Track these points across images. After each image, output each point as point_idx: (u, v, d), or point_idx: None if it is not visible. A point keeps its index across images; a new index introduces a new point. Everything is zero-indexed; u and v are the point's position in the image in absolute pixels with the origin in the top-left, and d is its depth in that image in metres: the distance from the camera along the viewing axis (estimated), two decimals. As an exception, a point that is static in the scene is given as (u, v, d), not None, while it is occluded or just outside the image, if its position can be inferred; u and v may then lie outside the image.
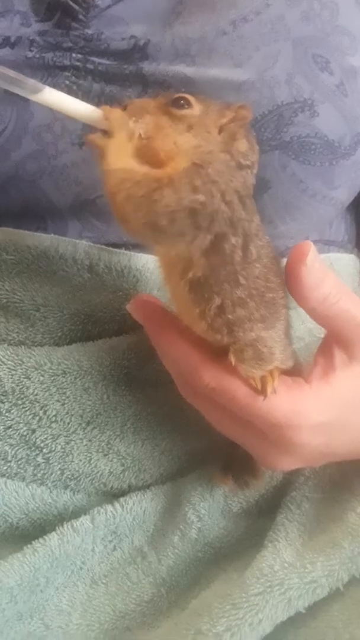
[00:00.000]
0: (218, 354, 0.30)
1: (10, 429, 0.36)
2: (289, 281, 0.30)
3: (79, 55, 0.36)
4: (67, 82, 0.36)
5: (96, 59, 0.36)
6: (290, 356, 0.31)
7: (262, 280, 0.29)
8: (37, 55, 0.36)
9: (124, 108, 0.29)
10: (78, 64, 0.36)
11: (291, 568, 0.30)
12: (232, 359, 0.29)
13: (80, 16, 0.36)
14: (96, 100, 0.36)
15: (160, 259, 0.31)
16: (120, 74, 0.36)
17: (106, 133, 0.29)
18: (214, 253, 0.28)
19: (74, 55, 0.36)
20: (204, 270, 0.28)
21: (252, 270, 0.28)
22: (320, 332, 0.34)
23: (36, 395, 0.36)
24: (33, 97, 0.29)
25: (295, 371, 0.32)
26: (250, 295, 0.28)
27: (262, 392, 0.29)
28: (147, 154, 0.28)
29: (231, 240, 0.28)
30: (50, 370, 0.36)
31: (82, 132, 0.34)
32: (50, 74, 0.36)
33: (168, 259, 0.30)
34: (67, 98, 0.29)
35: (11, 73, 0.29)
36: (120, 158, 0.28)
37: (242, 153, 0.29)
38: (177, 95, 0.29)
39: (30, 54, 0.36)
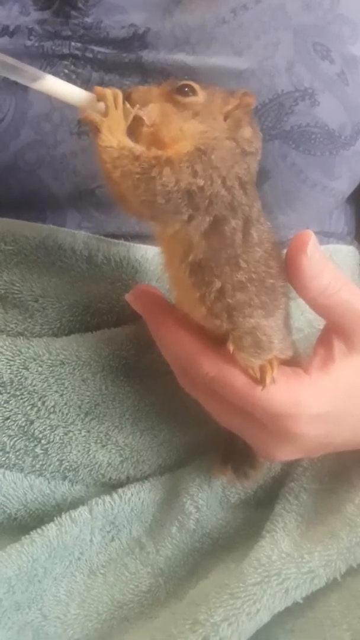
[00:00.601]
0: (217, 343, 0.30)
1: (9, 420, 0.35)
2: (290, 270, 0.30)
3: (78, 44, 0.36)
4: (66, 70, 0.36)
5: (95, 48, 0.36)
6: (290, 346, 0.31)
7: (263, 265, 0.29)
8: (36, 44, 0.36)
9: (128, 95, 0.29)
10: (77, 52, 0.36)
11: (289, 558, 0.30)
12: (231, 346, 0.29)
13: (80, 4, 0.35)
14: (95, 89, 0.36)
15: (161, 243, 0.31)
16: (119, 63, 0.36)
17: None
18: (214, 235, 0.28)
19: (73, 43, 0.36)
20: (204, 253, 0.28)
21: (253, 254, 0.28)
22: (320, 324, 0.33)
23: (34, 386, 0.35)
24: (33, 85, 0.29)
25: (295, 362, 0.32)
26: (251, 280, 0.28)
27: (260, 381, 0.29)
28: (153, 141, 0.28)
29: (231, 223, 0.28)
30: (49, 361, 0.35)
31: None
32: (49, 62, 0.36)
33: (169, 243, 0.30)
34: (67, 85, 0.29)
35: (10, 60, 0.29)
36: (115, 135, 0.28)
37: (247, 140, 0.29)
38: (182, 82, 0.29)
39: (29, 43, 0.36)
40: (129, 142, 0.28)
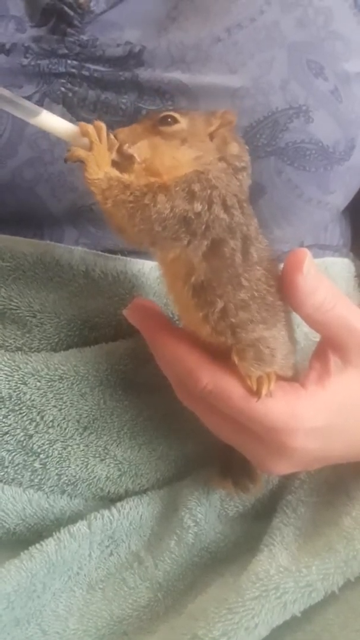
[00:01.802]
0: (215, 356, 0.30)
1: (7, 435, 0.36)
2: (285, 288, 0.30)
3: (74, 62, 0.36)
4: (63, 89, 0.36)
5: (91, 66, 0.36)
6: (291, 367, 0.32)
7: (264, 283, 0.29)
8: (33, 63, 0.36)
9: (115, 136, 0.30)
10: (73, 70, 0.36)
11: (287, 572, 0.30)
12: (235, 358, 0.30)
13: (75, 22, 0.36)
14: (92, 107, 0.36)
15: (162, 267, 0.31)
16: (115, 81, 0.36)
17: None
18: (214, 256, 0.28)
19: (69, 62, 0.36)
20: (206, 274, 0.29)
21: (254, 273, 0.29)
22: (316, 336, 0.34)
23: (33, 400, 0.36)
24: (31, 121, 0.30)
25: (293, 377, 0.32)
26: (253, 298, 0.29)
27: (256, 393, 0.30)
28: (148, 174, 0.29)
29: (230, 244, 0.28)
30: (47, 376, 0.36)
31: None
32: (45, 81, 0.36)
33: (171, 267, 0.30)
34: (58, 120, 0.30)
35: (10, 95, 0.29)
36: (102, 167, 0.29)
37: (236, 156, 0.30)
38: (162, 114, 0.30)
39: (25, 61, 0.36)
40: (116, 173, 0.29)
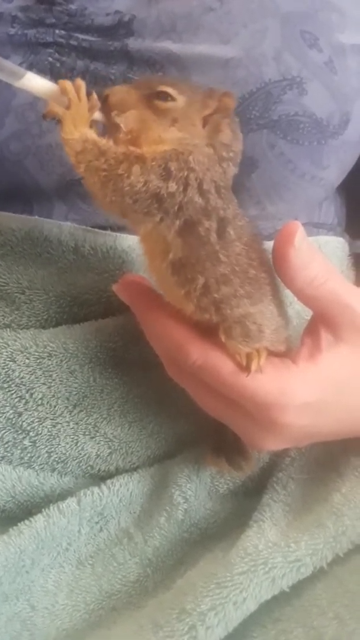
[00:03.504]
0: (205, 332, 0.30)
1: (-4, 412, 0.35)
2: (277, 262, 0.30)
3: (62, 32, 0.35)
4: (50, 59, 0.35)
5: (80, 35, 0.35)
6: (283, 341, 0.31)
7: (244, 257, 0.29)
8: (20, 32, 0.35)
9: (105, 97, 0.29)
10: (61, 40, 0.35)
11: (275, 547, 0.30)
12: (223, 336, 0.29)
13: None
14: (80, 77, 0.35)
15: (142, 244, 0.31)
16: (104, 51, 0.35)
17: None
18: (188, 234, 0.28)
19: (57, 31, 0.35)
20: (182, 250, 0.28)
21: (233, 249, 0.28)
22: (308, 314, 0.33)
23: (22, 378, 0.35)
24: (16, 83, 0.29)
25: (286, 351, 0.31)
26: (234, 272, 0.28)
27: (246, 368, 0.29)
28: (129, 144, 0.28)
29: (205, 225, 0.28)
30: (36, 353, 0.35)
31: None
32: (33, 51, 0.35)
33: (147, 243, 0.30)
34: (40, 80, 0.29)
35: None
36: (78, 127, 0.28)
37: (226, 145, 0.29)
38: (159, 89, 0.29)
39: (12, 31, 0.35)
40: (93, 135, 0.28)
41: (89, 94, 0.29)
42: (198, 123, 0.29)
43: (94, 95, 0.29)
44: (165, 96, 0.29)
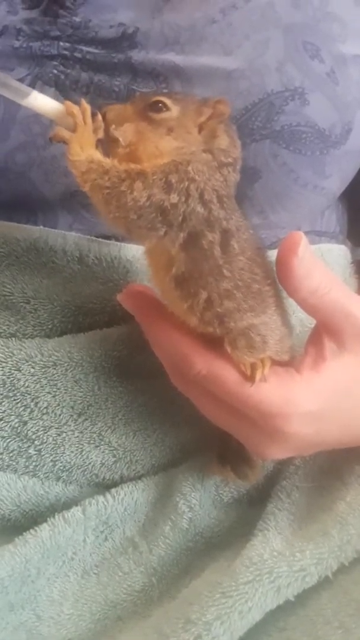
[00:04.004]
0: (209, 342, 0.30)
1: (2, 421, 0.36)
2: (280, 271, 0.30)
3: (67, 44, 0.36)
4: (55, 71, 0.36)
5: (84, 48, 0.36)
6: (287, 350, 0.31)
7: (247, 272, 0.29)
8: (25, 45, 0.36)
9: (104, 115, 0.30)
10: (66, 52, 0.36)
11: (280, 557, 0.30)
12: (228, 348, 0.30)
13: (68, 3, 0.35)
14: (84, 89, 0.36)
15: (146, 257, 0.31)
16: (108, 63, 0.35)
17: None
18: (192, 248, 0.28)
19: (61, 44, 0.36)
20: (186, 265, 0.28)
21: (236, 263, 0.29)
22: (311, 322, 0.34)
23: (27, 387, 0.35)
24: (22, 102, 0.29)
25: (289, 361, 0.32)
26: (237, 287, 0.29)
27: (250, 378, 0.29)
28: (129, 158, 0.29)
29: (208, 237, 0.28)
30: (41, 362, 0.36)
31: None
32: (37, 63, 0.36)
33: (151, 257, 0.30)
34: (46, 99, 0.30)
35: (2, 76, 0.29)
36: (85, 149, 0.28)
37: (224, 150, 0.30)
38: (154, 99, 0.29)
39: (17, 44, 0.36)
40: (98, 156, 0.28)
41: (93, 115, 0.29)
42: (193, 130, 0.29)
43: (99, 117, 0.29)
44: (160, 107, 0.29)
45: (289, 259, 0.29)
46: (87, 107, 0.29)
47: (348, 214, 0.45)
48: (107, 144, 0.30)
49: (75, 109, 0.29)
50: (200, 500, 0.36)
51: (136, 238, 0.29)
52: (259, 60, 0.35)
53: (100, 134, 0.29)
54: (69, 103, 0.29)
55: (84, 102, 0.29)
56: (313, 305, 0.31)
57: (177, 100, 0.30)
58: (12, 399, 0.36)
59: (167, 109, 0.29)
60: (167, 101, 0.29)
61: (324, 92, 0.36)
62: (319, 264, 0.30)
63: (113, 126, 0.29)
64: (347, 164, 0.39)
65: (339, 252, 0.42)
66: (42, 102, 0.30)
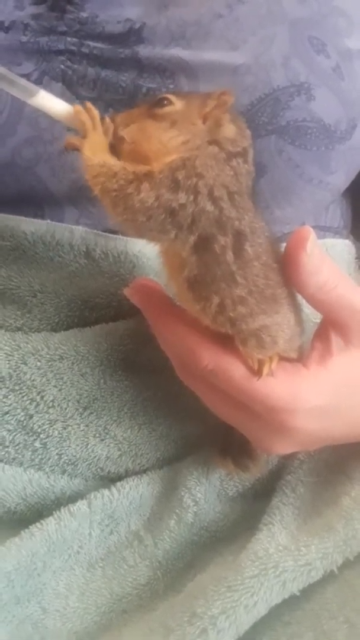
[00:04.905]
0: (216, 336, 0.30)
1: (8, 415, 0.36)
2: (288, 267, 0.30)
3: (74, 39, 0.36)
4: (62, 66, 0.36)
5: (91, 43, 0.36)
6: (296, 349, 0.31)
7: (261, 278, 0.28)
8: (32, 40, 0.36)
9: (113, 119, 0.30)
10: (73, 48, 0.36)
11: (286, 551, 0.30)
12: (239, 346, 0.29)
13: None
14: (91, 84, 0.36)
15: (162, 256, 0.31)
16: (115, 58, 0.36)
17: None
18: (204, 252, 0.27)
19: (68, 39, 0.36)
20: (198, 268, 0.28)
21: (250, 270, 0.28)
22: (317, 318, 0.34)
23: (33, 380, 0.36)
24: (29, 100, 0.29)
25: (297, 359, 0.32)
26: (250, 293, 0.28)
27: (257, 372, 0.29)
28: (137, 158, 0.28)
29: (220, 241, 0.27)
30: (47, 356, 0.36)
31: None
32: (45, 58, 0.36)
33: (167, 257, 0.30)
34: (55, 100, 0.30)
35: (5, 72, 0.29)
36: (97, 154, 0.28)
37: (231, 139, 0.29)
38: (159, 96, 0.29)
39: (24, 39, 0.36)
40: (110, 159, 0.28)
41: (102, 119, 0.29)
42: (198, 121, 0.29)
43: (108, 120, 0.29)
44: (164, 103, 0.29)
45: (297, 255, 0.29)
46: (95, 112, 0.29)
47: (352, 209, 0.45)
48: (116, 146, 0.29)
49: (84, 115, 0.29)
50: (205, 494, 0.36)
51: (148, 239, 0.29)
52: (265, 55, 0.35)
53: (110, 137, 0.29)
54: (78, 108, 0.29)
55: (90, 106, 0.29)
56: (320, 301, 0.31)
57: (181, 96, 0.30)
58: (18, 393, 0.36)
59: (171, 103, 0.29)
60: (171, 96, 0.29)
61: (329, 87, 0.36)
62: (327, 259, 0.30)
63: (120, 127, 0.29)
64: (352, 159, 0.39)
65: (343, 247, 0.42)
66: (49, 101, 0.30)
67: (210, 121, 0.29)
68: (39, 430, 0.36)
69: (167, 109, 0.29)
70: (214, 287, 0.28)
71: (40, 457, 0.36)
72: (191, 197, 0.27)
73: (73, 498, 0.36)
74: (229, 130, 0.29)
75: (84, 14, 0.36)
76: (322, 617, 0.30)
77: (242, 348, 0.29)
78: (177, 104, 0.29)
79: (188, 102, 0.29)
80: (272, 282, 0.29)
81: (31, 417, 0.36)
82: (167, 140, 0.28)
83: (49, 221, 0.36)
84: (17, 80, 0.29)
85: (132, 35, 0.35)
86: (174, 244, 0.28)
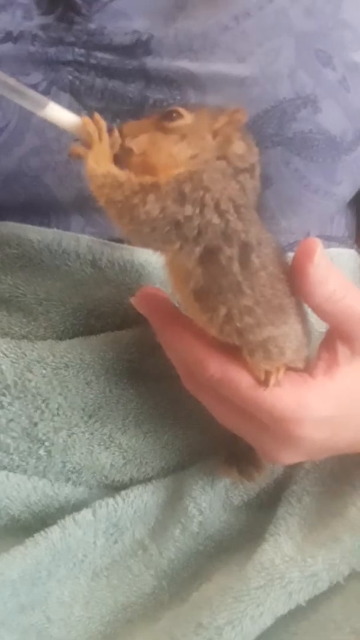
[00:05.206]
0: (223, 345, 0.30)
1: (12, 422, 0.36)
2: (296, 277, 0.30)
3: (82, 50, 0.36)
4: (70, 77, 0.36)
5: (99, 54, 0.36)
6: (303, 359, 0.31)
7: (268, 287, 0.28)
8: (40, 50, 0.36)
9: (120, 130, 0.30)
10: (81, 58, 0.36)
11: (292, 562, 0.30)
12: (246, 357, 0.29)
13: (84, 10, 0.36)
14: (99, 95, 0.36)
15: (167, 268, 0.31)
16: (122, 69, 0.36)
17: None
18: (210, 263, 0.27)
19: (76, 50, 0.36)
20: (204, 280, 0.28)
21: (257, 280, 0.28)
22: (322, 327, 0.34)
23: (38, 388, 0.36)
24: (39, 112, 0.30)
25: (304, 369, 0.32)
26: (257, 303, 0.28)
27: (264, 382, 0.29)
28: (144, 170, 0.28)
29: (226, 253, 0.27)
30: (53, 364, 0.36)
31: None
32: (52, 69, 0.36)
33: (172, 268, 0.30)
34: (63, 111, 0.30)
35: (14, 83, 0.29)
36: (102, 164, 0.28)
37: (239, 156, 0.29)
38: (169, 109, 0.29)
39: (32, 49, 0.36)
40: (114, 170, 0.28)
41: (110, 131, 0.29)
42: (208, 136, 0.29)
43: (116, 132, 0.29)
44: (174, 116, 0.29)
45: (305, 266, 0.29)
46: (103, 123, 0.29)
47: (357, 218, 0.46)
48: (123, 157, 0.29)
49: (91, 126, 0.29)
50: (210, 503, 0.36)
51: (154, 251, 0.29)
52: (271, 67, 0.35)
53: (117, 149, 0.29)
54: (86, 120, 0.29)
55: (98, 117, 0.29)
56: (327, 311, 0.31)
57: (192, 109, 0.30)
58: (23, 400, 0.36)
59: (181, 116, 0.29)
60: (182, 110, 0.29)
61: (335, 99, 0.36)
62: (334, 270, 0.30)
63: (128, 138, 0.29)
64: (358, 170, 0.39)
65: (348, 257, 0.43)
66: (58, 113, 0.30)
67: (220, 137, 0.29)
68: (44, 438, 0.36)
69: (177, 122, 0.29)
70: (221, 297, 0.28)
71: (44, 464, 0.36)
72: (197, 210, 0.27)
73: (77, 506, 0.35)
74: (238, 147, 0.29)
75: (92, 25, 0.36)
76: (328, 628, 0.30)
77: (249, 359, 0.30)
78: (187, 118, 0.29)
79: (198, 116, 0.29)
80: (280, 292, 0.29)
81: (36, 424, 0.36)
82: (176, 153, 0.28)
83: (55, 229, 0.37)
84: (27, 92, 0.30)
85: (140, 46, 0.36)
86: (179, 255, 0.28)
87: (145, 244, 0.28)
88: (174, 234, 0.27)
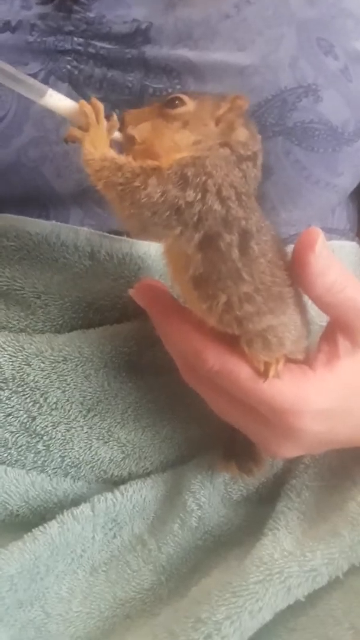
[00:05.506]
0: (222, 337, 0.30)
1: (11, 416, 0.35)
2: (296, 267, 0.29)
3: (81, 39, 0.36)
4: (69, 66, 0.36)
5: (98, 43, 0.36)
6: (302, 351, 0.31)
7: (268, 275, 0.28)
8: (38, 40, 0.36)
9: (122, 118, 0.29)
10: (79, 48, 0.36)
11: (291, 556, 0.30)
12: (245, 347, 0.29)
13: None
14: (97, 85, 0.36)
15: (165, 256, 0.30)
16: (122, 58, 0.35)
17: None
18: (209, 249, 0.27)
19: (75, 39, 0.36)
20: (204, 266, 0.28)
21: (256, 266, 0.28)
22: (322, 320, 0.33)
23: (37, 382, 0.35)
24: (39, 101, 0.29)
25: (303, 361, 0.31)
26: (257, 290, 0.28)
27: (264, 374, 0.29)
28: (147, 157, 0.28)
29: (226, 239, 0.27)
30: (51, 357, 0.35)
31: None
32: (51, 58, 0.36)
33: (169, 256, 0.30)
34: (62, 98, 0.30)
35: (13, 71, 0.29)
36: (99, 148, 0.28)
37: (242, 143, 0.29)
38: (171, 95, 0.29)
39: (31, 38, 0.36)
40: (112, 153, 0.28)
41: (109, 116, 0.29)
42: (210, 123, 0.29)
43: (114, 116, 0.29)
44: (176, 103, 0.29)
45: (306, 256, 0.29)
46: (100, 106, 0.29)
47: (358, 211, 0.45)
48: (125, 145, 0.29)
49: (87, 108, 0.29)
50: (209, 498, 0.35)
51: (153, 237, 0.29)
52: (272, 56, 0.35)
53: (114, 134, 0.29)
54: (83, 102, 0.29)
55: (95, 101, 0.29)
56: (327, 303, 0.30)
57: (194, 96, 0.29)
58: (21, 394, 0.35)
59: (183, 103, 0.29)
60: (184, 97, 0.29)
61: (337, 89, 0.35)
62: (335, 261, 0.30)
63: (130, 126, 0.29)
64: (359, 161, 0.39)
65: (350, 249, 0.42)
66: (57, 100, 0.29)
67: (223, 124, 0.29)
68: (42, 432, 0.35)
69: (180, 109, 0.29)
70: (220, 284, 0.28)
71: (43, 459, 0.36)
72: (199, 195, 0.26)
73: (76, 501, 0.35)
74: (241, 134, 0.29)
75: (90, 14, 0.36)
76: (327, 623, 0.30)
77: (247, 350, 0.29)
78: (190, 105, 0.29)
79: (200, 102, 0.29)
80: (279, 279, 0.29)
81: (34, 419, 0.35)
82: (179, 139, 0.28)
83: (53, 222, 0.36)
84: (26, 80, 0.29)
85: (139, 35, 0.35)
86: (178, 241, 0.28)
87: (145, 229, 0.28)
88: (175, 219, 0.27)
